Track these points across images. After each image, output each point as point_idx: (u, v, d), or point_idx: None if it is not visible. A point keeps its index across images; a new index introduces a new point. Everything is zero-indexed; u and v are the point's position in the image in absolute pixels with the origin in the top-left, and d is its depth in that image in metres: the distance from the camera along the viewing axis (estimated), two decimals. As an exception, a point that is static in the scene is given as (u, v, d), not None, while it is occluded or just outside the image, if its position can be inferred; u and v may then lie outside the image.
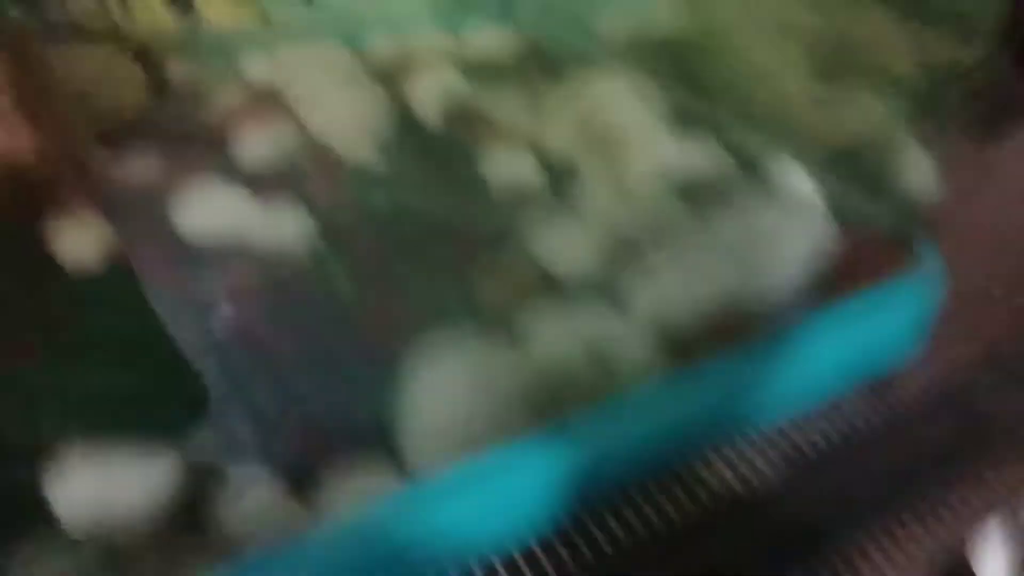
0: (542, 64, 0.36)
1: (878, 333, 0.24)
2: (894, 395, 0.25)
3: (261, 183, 0.28)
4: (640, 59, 0.34)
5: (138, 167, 0.28)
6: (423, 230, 0.26)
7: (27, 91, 0.25)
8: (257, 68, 0.34)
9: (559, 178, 0.29)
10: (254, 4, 0.36)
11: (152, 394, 0.21)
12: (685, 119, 0.30)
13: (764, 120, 0.29)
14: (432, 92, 0.33)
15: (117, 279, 0.24)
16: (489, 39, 0.38)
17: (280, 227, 0.26)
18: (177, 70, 0.33)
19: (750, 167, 0.28)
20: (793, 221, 0.25)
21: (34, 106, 0.24)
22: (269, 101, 0.32)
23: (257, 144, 0.30)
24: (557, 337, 0.22)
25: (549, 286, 0.24)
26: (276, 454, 0.20)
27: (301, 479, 0.19)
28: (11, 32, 0.27)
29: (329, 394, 0.21)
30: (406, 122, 0.32)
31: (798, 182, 0.26)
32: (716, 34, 0.31)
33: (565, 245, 0.25)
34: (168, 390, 0.22)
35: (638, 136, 0.29)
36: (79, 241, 0.25)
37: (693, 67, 0.31)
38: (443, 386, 0.20)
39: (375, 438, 0.20)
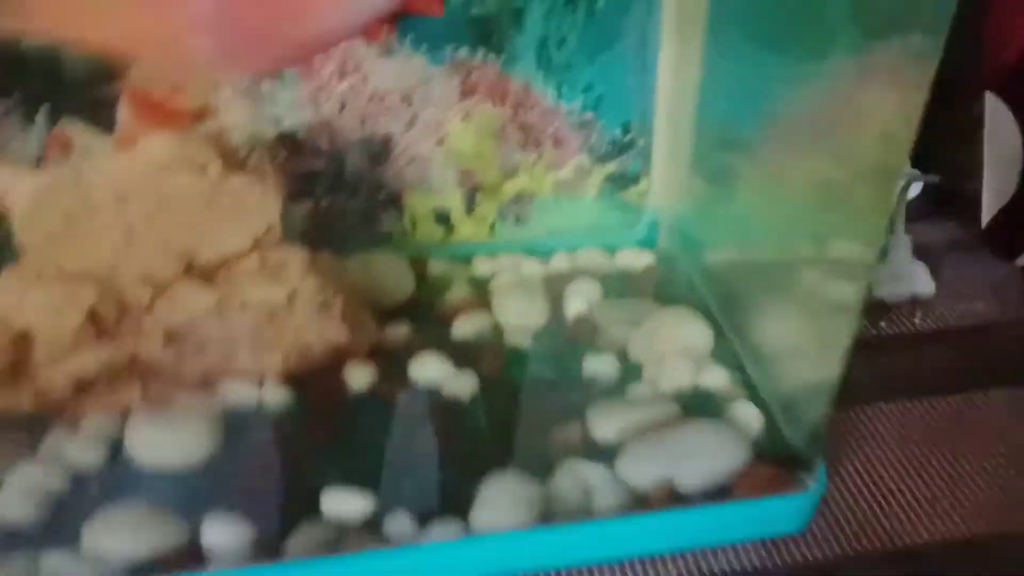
0: (664, 286, 0.54)
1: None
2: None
3: (460, 352, 0.49)
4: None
5: (398, 334, 0.51)
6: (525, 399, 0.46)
7: (343, 291, 0.48)
8: (481, 268, 0.57)
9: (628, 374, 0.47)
10: (487, 221, 0.59)
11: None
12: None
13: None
14: (575, 297, 0.53)
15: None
16: (633, 258, 0.58)
17: (461, 384, 0.47)
18: (435, 267, 0.57)
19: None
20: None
21: (349, 303, 0.48)
22: (482, 295, 0.54)
23: (464, 325, 0.52)
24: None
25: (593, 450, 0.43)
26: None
27: None
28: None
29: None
30: (555, 318, 0.52)
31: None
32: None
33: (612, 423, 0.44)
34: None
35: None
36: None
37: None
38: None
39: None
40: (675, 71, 0.54)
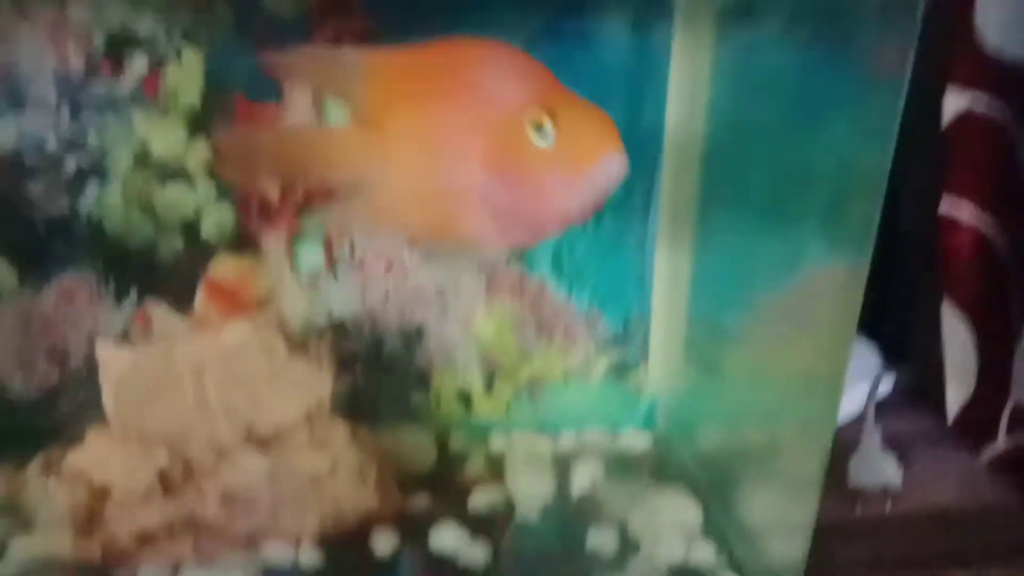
0: (652, 468, 0.61)
1: None
2: None
3: (476, 523, 0.55)
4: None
5: (420, 503, 0.56)
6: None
7: (375, 462, 0.55)
8: (497, 444, 0.64)
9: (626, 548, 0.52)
10: (504, 400, 0.66)
11: None
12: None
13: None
14: (580, 476, 0.59)
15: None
16: (632, 440, 0.64)
17: (476, 553, 0.52)
18: (455, 441, 0.63)
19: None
20: None
21: (380, 473, 0.54)
22: (497, 469, 0.60)
23: (480, 496, 0.57)
24: None
25: None
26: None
27: None
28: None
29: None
30: (562, 494, 0.58)
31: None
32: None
33: None
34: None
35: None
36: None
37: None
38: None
39: None
40: (669, 273, 0.63)
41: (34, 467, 0.56)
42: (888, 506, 0.60)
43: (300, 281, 0.61)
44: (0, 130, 0.55)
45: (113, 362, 0.50)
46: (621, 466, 0.61)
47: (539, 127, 0.37)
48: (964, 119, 0.64)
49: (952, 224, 0.66)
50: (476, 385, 0.65)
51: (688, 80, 0.58)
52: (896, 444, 0.65)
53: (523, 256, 0.63)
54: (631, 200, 0.62)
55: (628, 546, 0.53)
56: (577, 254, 0.63)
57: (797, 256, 0.46)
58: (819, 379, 0.43)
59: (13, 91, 0.55)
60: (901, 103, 0.35)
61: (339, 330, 0.62)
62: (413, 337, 0.63)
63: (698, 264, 0.62)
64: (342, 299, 0.62)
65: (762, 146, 0.51)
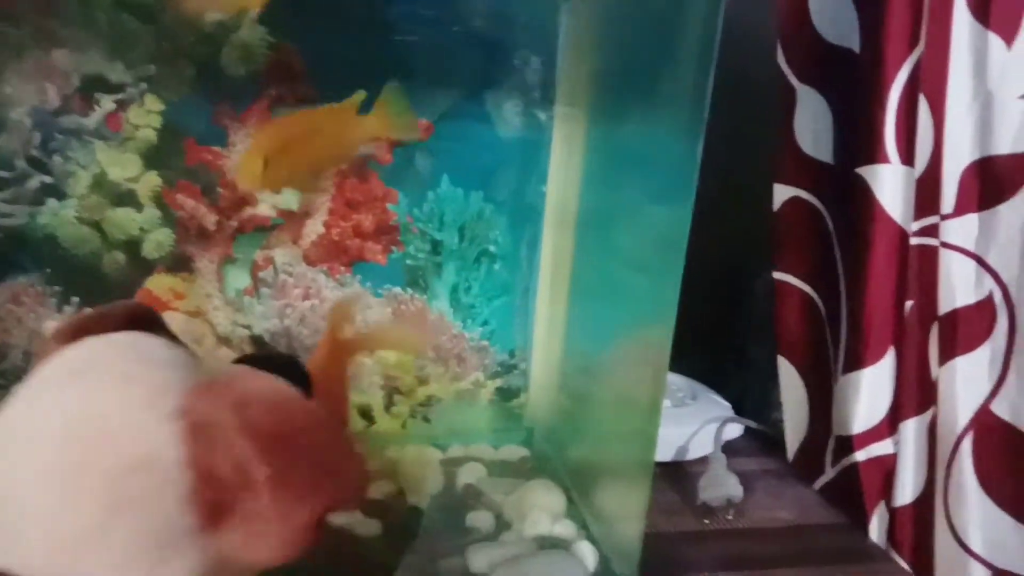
0: (526, 473, 0.70)
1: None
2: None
3: (369, 507, 0.62)
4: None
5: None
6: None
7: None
8: (393, 452, 0.72)
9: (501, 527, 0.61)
10: (401, 417, 0.74)
11: None
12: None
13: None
14: (464, 473, 0.68)
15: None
16: (512, 452, 0.74)
17: (368, 527, 0.60)
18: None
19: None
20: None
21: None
22: (391, 471, 0.68)
23: (375, 488, 0.65)
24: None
25: None
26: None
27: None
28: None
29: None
30: (448, 487, 0.67)
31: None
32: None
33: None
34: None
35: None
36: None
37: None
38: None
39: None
40: (548, 315, 0.75)
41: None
42: (731, 515, 0.70)
43: (227, 299, 0.70)
44: (-24, 146, 0.64)
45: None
46: (501, 470, 0.70)
47: None
48: (789, 205, 0.80)
49: (783, 289, 0.80)
50: (377, 403, 0.74)
51: (566, 152, 0.73)
52: (742, 478, 0.75)
53: (426, 291, 0.74)
54: (518, 251, 0.75)
55: (502, 524, 0.61)
56: (472, 292, 0.74)
57: (641, 308, 0.59)
58: (643, 404, 0.55)
59: (-7, 115, 0.64)
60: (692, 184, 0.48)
61: (259, 344, 0.70)
62: (324, 356, 0.72)
63: (573, 308, 0.74)
64: (263, 317, 0.71)
65: (617, 213, 0.64)
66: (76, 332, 0.32)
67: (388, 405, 0.74)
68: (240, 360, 0.41)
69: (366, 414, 0.73)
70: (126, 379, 0.29)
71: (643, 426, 0.54)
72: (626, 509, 0.57)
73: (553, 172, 0.73)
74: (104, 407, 0.28)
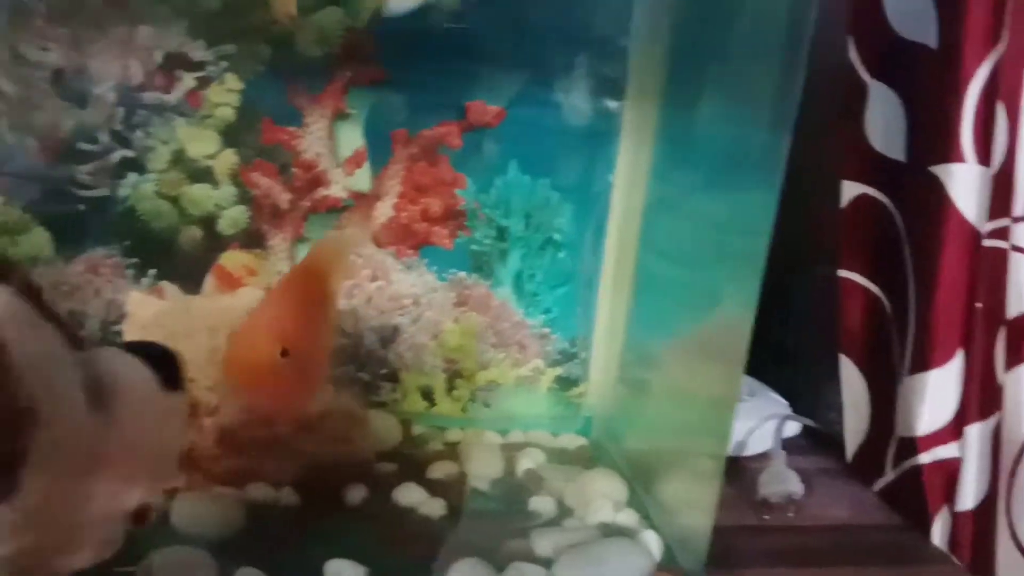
0: (587, 461, 0.70)
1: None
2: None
3: (433, 488, 0.63)
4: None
5: (386, 469, 0.65)
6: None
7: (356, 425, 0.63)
8: (453, 436, 0.73)
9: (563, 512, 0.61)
10: (462, 400, 0.75)
11: None
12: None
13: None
14: (525, 459, 0.69)
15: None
16: (570, 441, 0.74)
17: (432, 507, 0.61)
18: (417, 430, 0.72)
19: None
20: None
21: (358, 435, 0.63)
22: (452, 453, 0.69)
23: (438, 470, 0.66)
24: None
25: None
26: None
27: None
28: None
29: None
30: (509, 472, 0.67)
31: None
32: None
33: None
34: None
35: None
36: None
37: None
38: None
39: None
40: (610, 305, 0.75)
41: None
42: (792, 513, 0.70)
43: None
44: (64, 119, 0.65)
45: (141, 309, 0.58)
46: (559, 458, 0.70)
47: None
48: (857, 202, 0.79)
49: (848, 287, 0.79)
50: (439, 385, 0.74)
51: (635, 141, 0.72)
52: (799, 476, 0.75)
53: (490, 277, 0.74)
54: (582, 240, 0.75)
55: (564, 510, 0.62)
56: (535, 280, 0.75)
57: (714, 300, 0.58)
58: (717, 399, 0.54)
59: (80, 89, 0.65)
60: (779, 176, 0.48)
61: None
62: (388, 337, 0.73)
63: (637, 297, 0.74)
64: (331, 297, 0.72)
65: (690, 204, 0.64)
66: None
67: (450, 388, 0.74)
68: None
69: (428, 395, 0.74)
70: None
71: (716, 420, 0.54)
72: (693, 501, 0.57)
73: (621, 161, 0.73)
74: None
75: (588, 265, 0.75)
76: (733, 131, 0.56)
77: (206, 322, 0.59)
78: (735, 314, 0.52)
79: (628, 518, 0.61)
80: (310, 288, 0.47)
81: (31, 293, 0.33)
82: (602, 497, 0.62)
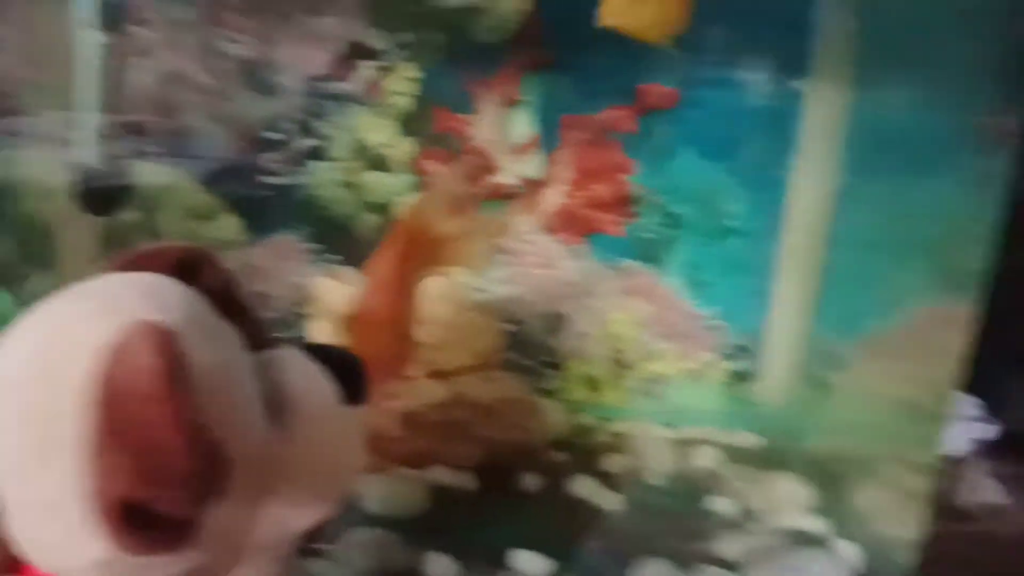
0: (765, 461, 0.67)
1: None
2: None
3: (607, 480, 0.62)
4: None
5: (558, 458, 0.64)
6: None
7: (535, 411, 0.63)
8: (618, 427, 0.71)
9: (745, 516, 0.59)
10: (627, 391, 0.73)
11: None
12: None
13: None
14: (700, 455, 0.66)
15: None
16: (744, 439, 0.71)
17: (609, 501, 0.59)
18: (582, 419, 0.71)
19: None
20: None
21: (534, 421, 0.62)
22: (621, 444, 0.68)
23: (610, 461, 0.64)
24: None
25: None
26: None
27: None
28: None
29: None
30: (684, 467, 0.65)
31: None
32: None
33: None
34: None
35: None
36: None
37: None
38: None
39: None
40: (789, 295, 0.71)
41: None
42: (990, 523, 0.64)
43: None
44: (253, 109, 0.68)
45: (330, 295, 0.60)
46: (735, 456, 0.67)
47: None
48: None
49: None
50: (603, 375, 0.73)
51: (821, 123, 0.68)
52: (999, 483, 0.69)
53: (660, 265, 0.72)
54: (759, 227, 0.71)
55: (746, 514, 0.59)
56: (707, 268, 0.72)
57: (911, 294, 0.54)
58: (926, 402, 0.50)
59: (267, 80, 0.68)
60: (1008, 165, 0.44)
61: (488, 306, 0.71)
62: (554, 324, 0.72)
63: (819, 290, 0.70)
64: (499, 282, 0.71)
65: (893, 194, 0.59)
66: (127, 264, 0.31)
67: (615, 378, 0.73)
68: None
69: (592, 385, 0.72)
70: (85, 295, 0.28)
71: (924, 425, 0.50)
72: (892, 511, 0.53)
73: (805, 144, 0.69)
74: (57, 317, 0.28)
75: (764, 254, 0.71)
76: (947, 111, 0.51)
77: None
78: (950, 310, 0.47)
79: (817, 525, 0.57)
80: (408, 259, 0.47)
81: (220, 284, 0.32)
82: (787, 501, 0.59)
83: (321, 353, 0.34)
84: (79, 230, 0.66)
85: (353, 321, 0.44)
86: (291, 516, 0.32)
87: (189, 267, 0.32)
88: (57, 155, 0.63)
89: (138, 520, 0.26)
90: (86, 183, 0.52)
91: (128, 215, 0.67)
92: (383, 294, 0.47)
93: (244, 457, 0.29)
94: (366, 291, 0.46)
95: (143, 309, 0.28)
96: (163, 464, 0.26)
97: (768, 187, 0.70)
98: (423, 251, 0.51)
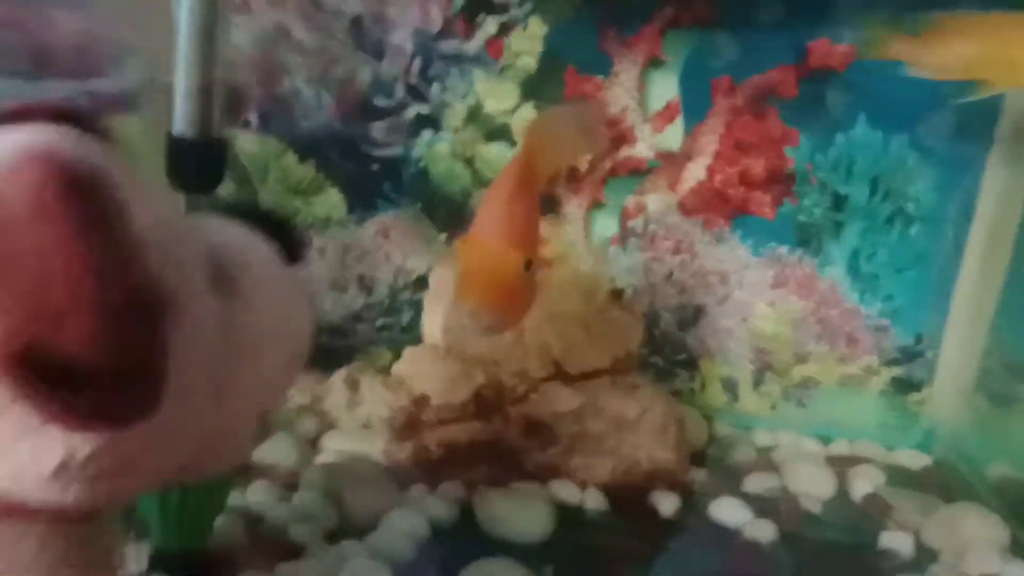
0: (938, 487, 0.57)
1: None
2: None
3: (754, 504, 0.53)
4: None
5: (697, 476, 0.56)
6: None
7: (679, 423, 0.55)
8: (761, 438, 0.62)
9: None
10: (772, 397, 0.65)
11: None
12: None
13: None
14: (860, 479, 0.57)
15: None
16: (910, 458, 0.61)
17: (760, 530, 0.51)
18: (718, 428, 0.62)
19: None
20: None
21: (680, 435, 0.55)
22: (765, 460, 0.59)
23: (755, 481, 0.56)
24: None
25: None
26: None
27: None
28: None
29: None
30: (842, 493, 0.56)
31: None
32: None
33: None
34: None
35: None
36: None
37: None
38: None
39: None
40: (972, 296, 0.60)
41: (336, 379, 0.61)
42: None
43: (592, 248, 0.63)
44: (361, 72, 0.61)
45: (447, 284, 0.53)
46: (901, 480, 0.58)
47: None
48: None
49: None
50: (745, 377, 0.64)
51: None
52: None
53: (818, 254, 0.62)
54: (943, 214, 0.60)
55: (925, 553, 0.50)
56: (876, 260, 0.62)
57: None
58: None
59: (376, 40, 0.61)
60: None
61: (616, 299, 0.63)
62: (689, 318, 0.64)
63: (1009, 292, 0.59)
64: (627, 271, 0.63)
65: None
66: None
67: (757, 382, 0.64)
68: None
69: (731, 388, 0.64)
70: None
71: None
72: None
73: (1005, 116, 0.57)
74: None
75: (948, 245, 0.61)
76: None
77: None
78: None
79: (1018, 572, 0.47)
80: (527, 184, 0.39)
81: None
82: (976, 538, 0.50)
83: (246, 214, 0.32)
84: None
85: (467, 243, 0.36)
86: (257, 393, 0.30)
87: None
88: (147, 123, 0.58)
89: (53, 374, 0.21)
90: (179, 155, 0.46)
91: (224, 190, 0.62)
92: (503, 211, 0.39)
93: (199, 326, 0.25)
94: (483, 210, 0.39)
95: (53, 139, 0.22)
96: (63, 295, 0.21)
97: (959, 166, 0.59)
98: (544, 172, 0.43)
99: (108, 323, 0.21)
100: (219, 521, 0.44)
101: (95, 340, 0.21)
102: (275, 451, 0.52)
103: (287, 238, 0.33)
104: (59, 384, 0.21)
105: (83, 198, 0.21)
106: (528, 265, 0.36)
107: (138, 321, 0.22)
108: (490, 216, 0.39)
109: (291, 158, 0.62)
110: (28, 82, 0.55)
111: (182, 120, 0.45)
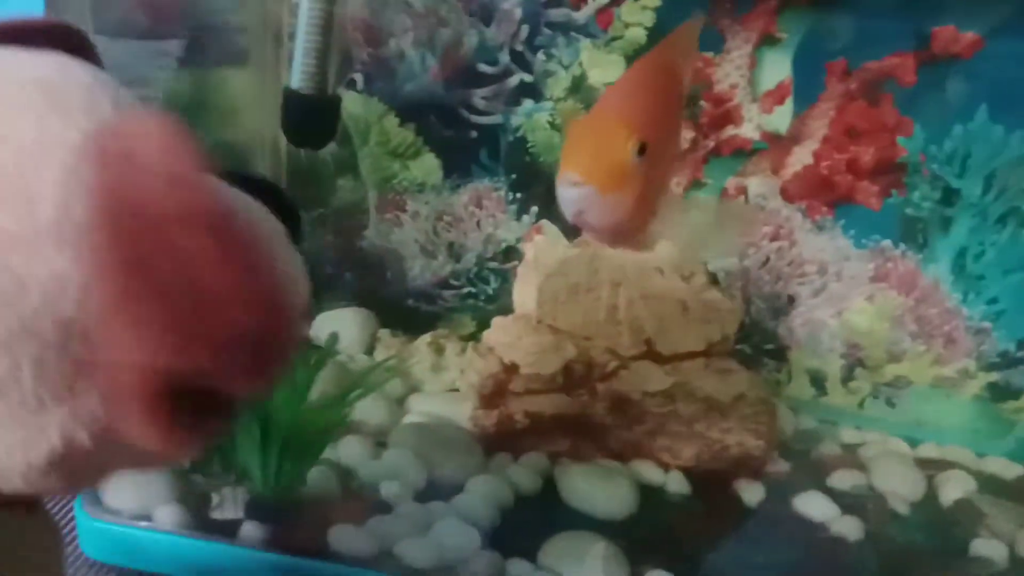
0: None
1: None
2: None
3: (840, 500, 0.52)
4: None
5: (780, 468, 0.55)
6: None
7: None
8: (847, 436, 0.61)
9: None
10: (860, 394, 0.63)
11: None
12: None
13: None
14: (951, 483, 0.55)
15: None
16: (1003, 467, 0.59)
17: (847, 527, 0.50)
18: (803, 422, 0.61)
19: None
20: None
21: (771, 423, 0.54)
22: (852, 457, 0.58)
23: (841, 477, 0.55)
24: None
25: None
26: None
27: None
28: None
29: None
30: (932, 496, 0.55)
31: None
32: None
33: None
34: None
35: None
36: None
37: None
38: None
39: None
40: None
41: (421, 343, 0.61)
42: None
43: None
44: (467, 37, 0.61)
45: (544, 255, 0.53)
46: (993, 488, 0.56)
47: None
48: None
49: None
50: (834, 371, 0.63)
51: None
52: None
53: (923, 249, 0.60)
54: (1061, 211, 0.58)
55: (1020, 564, 0.48)
56: (983, 260, 0.59)
57: None
58: None
59: (486, 4, 0.60)
60: None
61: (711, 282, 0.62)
62: (781, 307, 0.62)
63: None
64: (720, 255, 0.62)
65: None
66: None
67: (847, 378, 0.62)
68: None
69: (818, 382, 0.63)
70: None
71: None
72: None
73: None
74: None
75: (1067, 241, 0.58)
76: None
77: (610, 276, 0.52)
78: None
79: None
80: (663, 81, 0.36)
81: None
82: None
83: (244, 183, 0.26)
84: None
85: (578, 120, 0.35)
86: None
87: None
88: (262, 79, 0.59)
89: (179, 402, 0.17)
90: (295, 110, 0.46)
91: (327, 149, 0.63)
92: (624, 92, 0.38)
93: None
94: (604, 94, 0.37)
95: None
96: (217, 317, 0.17)
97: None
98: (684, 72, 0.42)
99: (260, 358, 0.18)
100: (314, 472, 0.45)
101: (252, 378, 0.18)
102: (364, 408, 0.53)
103: (287, 214, 0.29)
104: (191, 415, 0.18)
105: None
106: (642, 150, 0.32)
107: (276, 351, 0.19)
108: (610, 97, 0.37)
109: (392, 120, 0.63)
110: (145, 41, 0.56)
111: (299, 75, 0.46)
